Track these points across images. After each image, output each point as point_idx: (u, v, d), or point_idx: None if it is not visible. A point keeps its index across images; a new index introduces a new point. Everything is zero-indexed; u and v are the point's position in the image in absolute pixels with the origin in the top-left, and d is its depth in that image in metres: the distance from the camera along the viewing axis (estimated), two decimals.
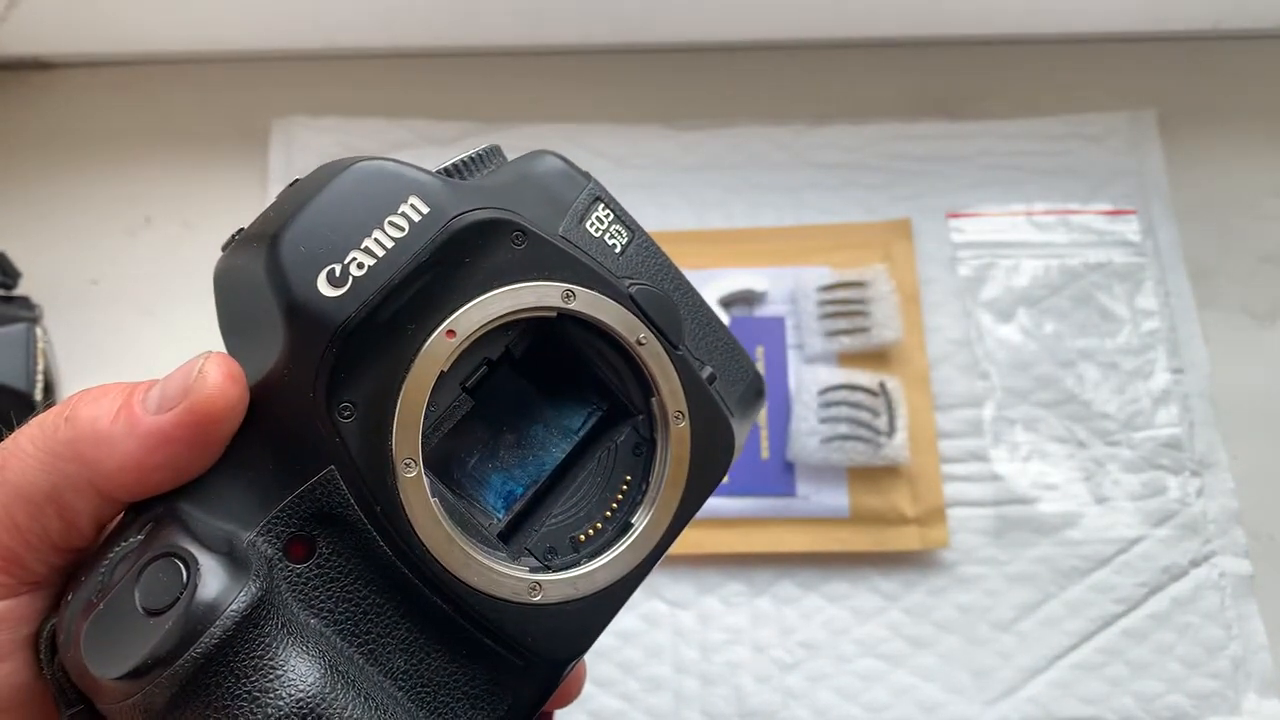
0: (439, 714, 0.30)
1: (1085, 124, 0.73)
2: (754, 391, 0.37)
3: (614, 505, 0.33)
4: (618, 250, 0.34)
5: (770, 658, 0.61)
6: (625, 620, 0.61)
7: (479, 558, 0.29)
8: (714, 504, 0.62)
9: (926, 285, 0.68)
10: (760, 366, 0.65)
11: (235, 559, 0.27)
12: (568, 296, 0.31)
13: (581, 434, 0.33)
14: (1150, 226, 0.70)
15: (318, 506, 0.29)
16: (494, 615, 0.29)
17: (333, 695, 0.27)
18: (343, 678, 0.28)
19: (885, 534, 0.62)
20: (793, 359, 0.65)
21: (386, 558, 0.29)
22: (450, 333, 0.29)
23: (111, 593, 0.27)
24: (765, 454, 0.63)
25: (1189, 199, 0.71)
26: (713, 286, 0.66)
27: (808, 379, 0.63)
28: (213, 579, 0.27)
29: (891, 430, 0.62)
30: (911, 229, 0.69)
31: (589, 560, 0.31)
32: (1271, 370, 0.68)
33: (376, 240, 0.29)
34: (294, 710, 0.27)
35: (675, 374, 0.33)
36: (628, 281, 0.33)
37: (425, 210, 0.29)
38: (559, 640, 0.31)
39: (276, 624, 0.27)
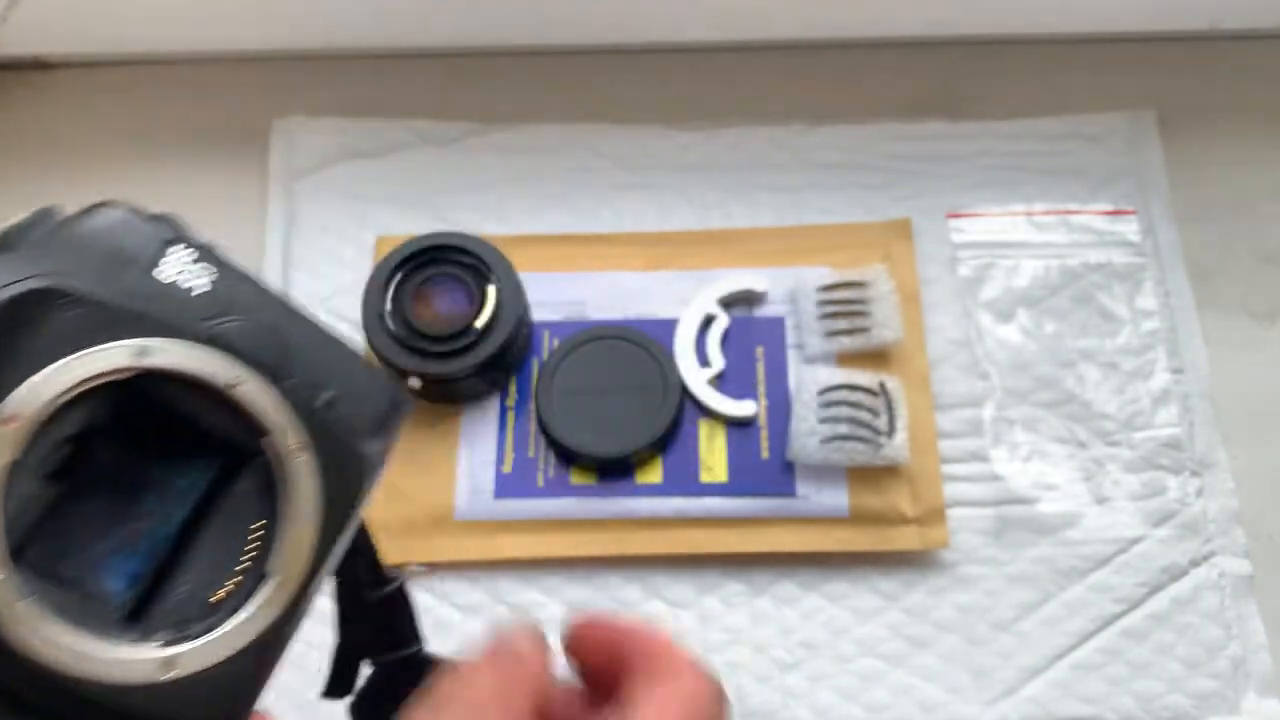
0: None
1: (1085, 124, 0.73)
2: (389, 406, 0.35)
3: (246, 557, 0.31)
4: (200, 291, 0.32)
5: (770, 658, 0.61)
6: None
7: (99, 649, 0.27)
8: (714, 504, 0.62)
9: (926, 285, 0.68)
10: (760, 367, 0.65)
11: None
12: (142, 352, 0.29)
13: (200, 492, 0.31)
14: (1150, 226, 0.70)
15: None
16: (126, 705, 0.27)
17: None
18: None
19: (885, 534, 0.62)
20: (792, 359, 0.65)
21: None
22: (9, 419, 0.27)
23: None
24: (765, 454, 0.63)
25: (1189, 199, 0.71)
26: (713, 287, 0.66)
27: (807, 379, 0.63)
28: None
29: (891, 430, 0.62)
30: (912, 229, 0.69)
31: (227, 620, 0.29)
32: (1271, 370, 0.68)
33: None
34: None
35: (284, 408, 0.31)
36: (214, 322, 0.31)
37: None
38: (209, 710, 0.29)
39: None
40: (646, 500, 0.62)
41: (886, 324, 0.64)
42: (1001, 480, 0.64)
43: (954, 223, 0.70)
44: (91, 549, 0.30)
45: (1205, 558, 0.62)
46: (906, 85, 0.75)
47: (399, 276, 0.62)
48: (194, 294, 0.32)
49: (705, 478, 0.62)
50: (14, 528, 0.27)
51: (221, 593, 0.30)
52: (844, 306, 0.65)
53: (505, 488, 0.63)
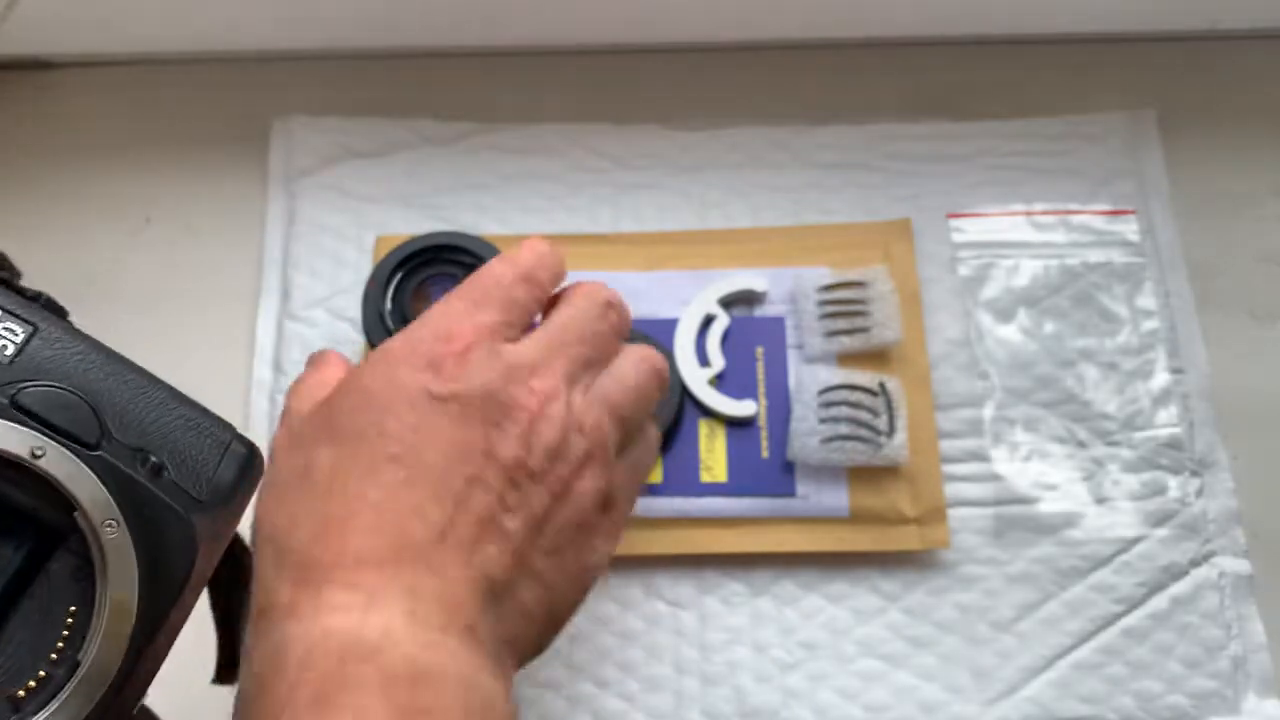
0: None
1: (1085, 124, 0.73)
2: (238, 466, 0.33)
3: (60, 644, 0.29)
4: (8, 353, 0.30)
5: (770, 658, 0.61)
6: (626, 621, 0.61)
7: None
8: (714, 504, 0.62)
9: (926, 285, 0.68)
10: (760, 367, 0.65)
11: None
12: None
13: (8, 575, 0.29)
14: (1150, 226, 0.70)
15: None
16: None
17: None
18: None
19: (885, 534, 0.62)
20: (792, 359, 0.65)
21: None
22: None
23: None
24: (765, 454, 0.63)
25: (1189, 199, 0.71)
26: (713, 287, 0.66)
27: (808, 379, 0.63)
28: None
29: (891, 430, 0.62)
30: (912, 229, 0.69)
31: (33, 716, 0.27)
32: (1271, 370, 0.68)
33: None
34: None
35: (94, 479, 0.29)
36: (15, 387, 0.29)
37: None
38: None
39: None
40: (646, 500, 0.62)
41: (886, 324, 0.64)
42: (1001, 480, 0.64)
43: (954, 223, 0.70)
44: None
45: (1205, 558, 0.62)
46: (906, 85, 0.75)
47: (399, 276, 0.62)
48: (5, 354, 0.30)
49: (705, 478, 0.62)
50: None
51: (31, 685, 0.28)
52: (844, 307, 0.65)
53: None
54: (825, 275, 0.66)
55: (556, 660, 0.60)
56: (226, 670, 0.45)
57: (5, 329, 0.30)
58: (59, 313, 0.32)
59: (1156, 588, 0.62)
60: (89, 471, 0.29)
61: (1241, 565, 0.62)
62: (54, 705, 0.28)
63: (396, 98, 0.75)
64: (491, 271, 0.46)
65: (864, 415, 0.62)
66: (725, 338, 0.66)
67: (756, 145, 0.73)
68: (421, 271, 0.62)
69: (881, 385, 0.63)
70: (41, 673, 0.28)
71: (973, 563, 0.62)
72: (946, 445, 0.64)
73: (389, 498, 0.38)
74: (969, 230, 0.70)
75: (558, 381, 0.44)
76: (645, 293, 0.67)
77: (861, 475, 0.62)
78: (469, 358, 0.42)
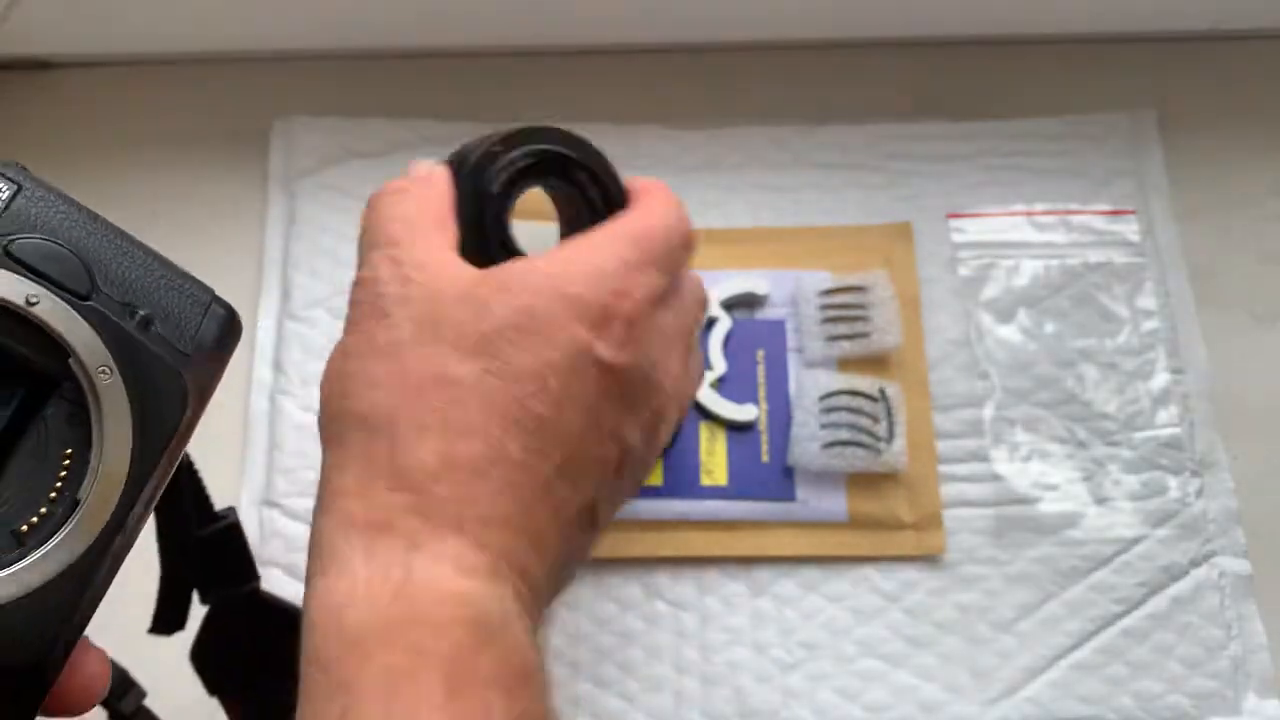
0: None
1: (1085, 124, 0.73)
2: (219, 325, 0.34)
3: (58, 484, 0.30)
4: None
5: (771, 658, 0.61)
6: (626, 621, 0.61)
7: None
8: (714, 508, 0.62)
9: (927, 286, 0.68)
10: (761, 370, 0.65)
11: None
12: None
13: (6, 417, 0.30)
14: (1150, 226, 0.70)
15: None
16: None
17: None
18: None
19: (882, 539, 0.62)
20: (793, 362, 0.65)
21: None
22: None
23: None
24: (765, 458, 0.63)
25: (1189, 199, 0.71)
26: (715, 289, 0.66)
27: (808, 384, 0.63)
28: None
29: (890, 436, 0.62)
30: (912, 232, 0.69)
31: (34, 550, 0.29)
32: (1271, 370, 0.68)
33: None
34: None
35: (87, 327, 0.30)
36: (6, 239, 0.30)
37: None
38: (15, 646, 0.28)
39: None
40: (646, 503, 0.62)
41: (887, 329, 0.64)
42: (1001, 480, 0.64)
43: (954, 223, 0.70)
44: None
45: (1205, 558, 0.62)
46: (906, 85, 0.75)
47: (505, 177, 0.50)
48: None
49: (705, 481, 0.62)
50: None
51: (33, 521, 0.29)
52: (845, 311, 0.65)
53: None
54: (826, 279, 0.66)
55: (557, 660, 0.61)
56: (168, 621, 0.43)
57: None
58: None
59: (1156, 588, 0.62)
60: (82, 320, 0.30)
61: (1241, 565, 0.62)
62: (56, 538, 0.29)
63: (396, 98, 0.75)
64: (666, 224, 0.44)
65: (864, 421, 0.62)
66: (727, 340, 0.66)
67: (756, 145, 0.73)
68: (530, 179, 0.49)
69: (881, 391, 0.63)
70: (43, 510, 0.29)
71: (973, 563, 0.62)
72: (947, 446, 0.64)
73: (526, 459, 0.37)
74: (969, 230, 0.70)
75: (682, 366, 0.44)
76: None
77: (860, 481, 0.62)
78: (636, 326, 0.40)
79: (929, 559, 0.62)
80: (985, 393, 0.66)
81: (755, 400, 0.64)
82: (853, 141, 0.73)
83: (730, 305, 0.66)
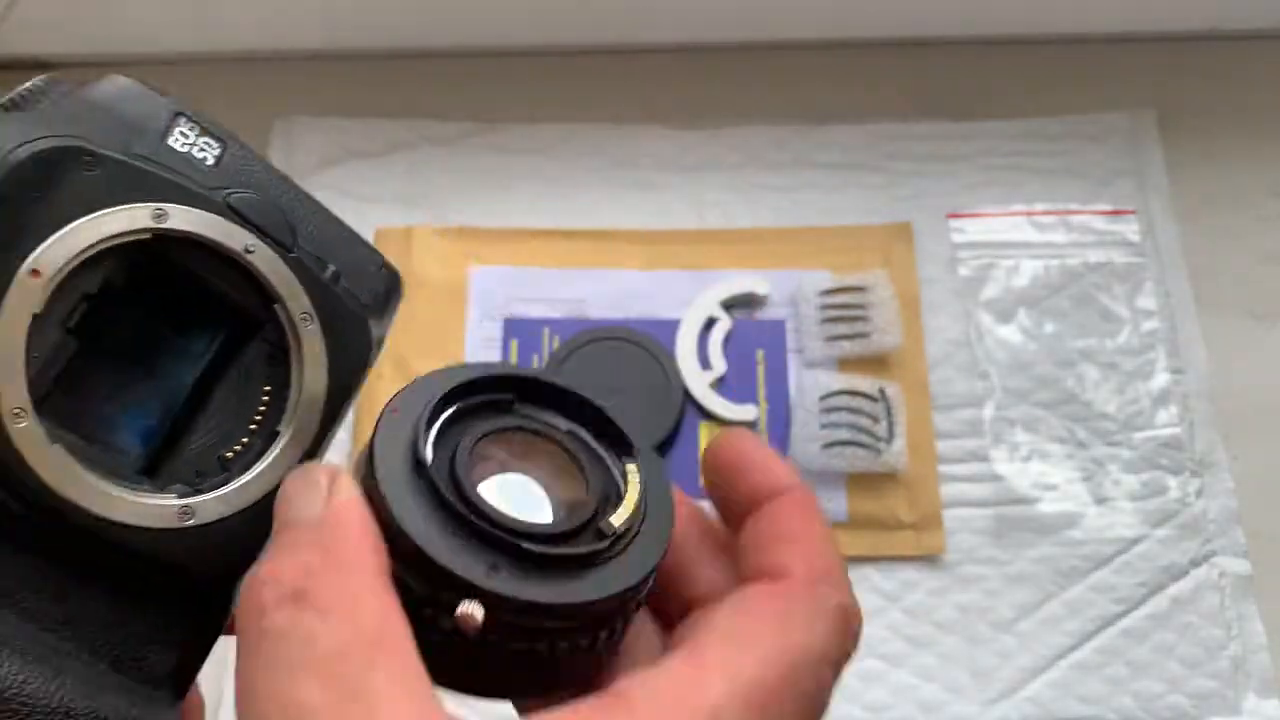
0: (113, 656, 0.29)
1: (1085, 124, 0.73)
2: (388, 285, 0.36)
3: (258, 417, 0.32)
4: (210, 162, 0.33)
5: None
6: None
7: (121, 494, 0.29)
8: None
9: (927, 286, 0.68)
10: (761, 370, 0.65)
11: None
12: (159, 215, 0.30)
13: (209, 355, 0.32)
14: (1150, 226, 0.70)
15: None
16: (149, 547, 0.29)
17: None
18: None
19: (882, 539, 0.62)
20: (792, 362, 0.65)
21: (19, 514, 0.28)
22: (35, 272, 0.28)
23: None
24: None
25: (1189, 199, 0.71)
26: (714, 289, 0.66)
27: (809, 385, 0.63)
28: None
29: (890, 437, 0.62)
30: (913, 233, 0.69)
31: (240, 475, 0.31)
32: (1271, 370, 0.68)
33: None
34: None
35: (293, 277, 0.32)
36: (225, 191, 0.32)
37: None
38: (220, 559, 0.30)
39: None
40: None
41: (887, 330, 0.64)
42: (1001, 480, 0.64)
43: (954, 223, 0.70)
44: (106, 405, 0.31)
45: (1205, 558, 0.62)
46: (906, 85, 0.75)
47: (448, 413, 0.34)
48: (205, 164, 0.33)
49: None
50: (38, 378, 0.28)
51: (236, 449, 0.31)
52: (845, 311, 0.65)
53: None
54: (826, 279, 0.66)
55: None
56: None
57: (204, 142, 0.33)
58: None
59: (1156, 588, 0.62)
60: (289, 270, 0.32)
61: (1241, 565, 0.62)
62: (259, 466, 0.31)
63: (396, 98, 0.75)
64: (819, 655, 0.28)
65: (864, 421, 0.62)
66: (726, 340, 0.66)
67: (756, 145, 0.73)
68: (485, 417, 0.33)
69: (881, 391, 0.63)
70: (245, 440, 0.31)
71: (972, 563, 0.62)
72: (946, 446, 0.64)
73: None
74: (969, 230, 0.70)
75: None
76: (645, 292, 0.67)
77: (860, 481, 0.62)
78: None
79: (929, 559, 0.62)
80: (985, 393, 0.66)
81: (755, 400, 0.64)
82: (853, 141, 0.73)
83: (730, 305, 0.66)
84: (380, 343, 0.35)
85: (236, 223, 0.31)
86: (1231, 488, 0.64)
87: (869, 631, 0.61)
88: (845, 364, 0.64)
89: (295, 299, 0.31)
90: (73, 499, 0.28)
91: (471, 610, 0.26)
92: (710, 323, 0.66)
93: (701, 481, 0.32)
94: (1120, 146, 0.72)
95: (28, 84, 0.31)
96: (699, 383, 0.64)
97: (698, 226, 0.71)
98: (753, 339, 0.66)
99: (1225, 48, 0.76)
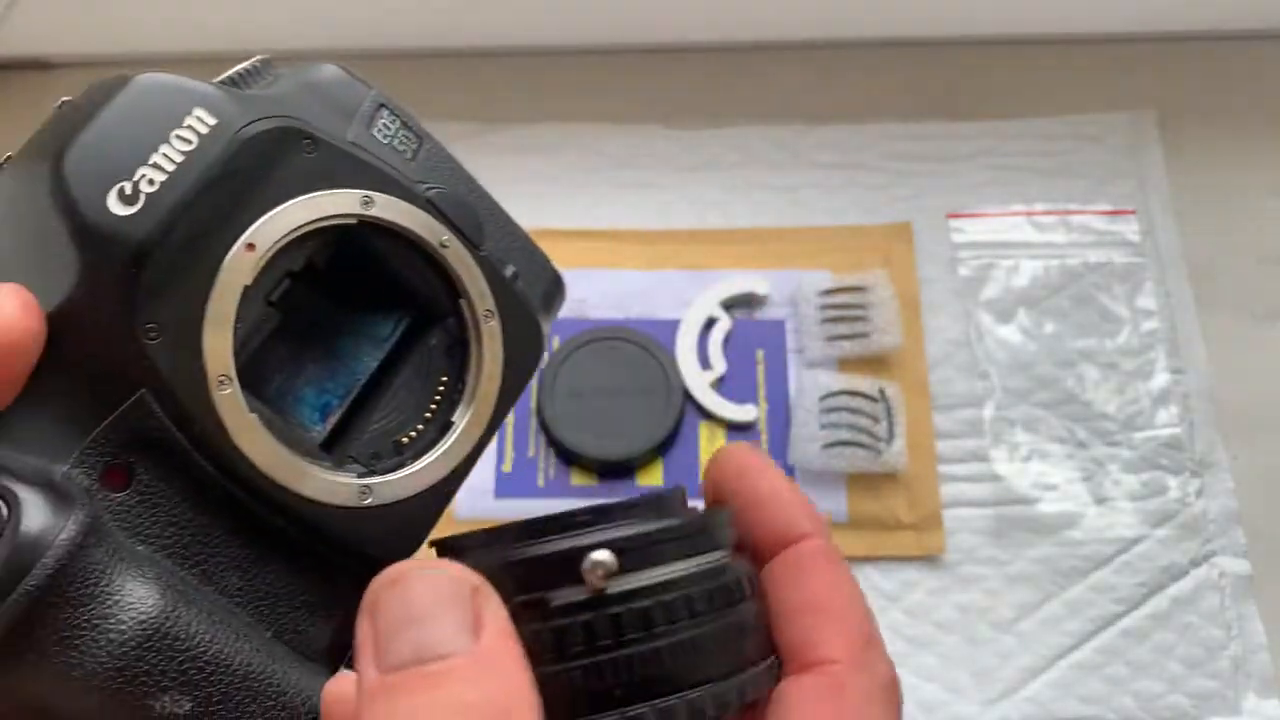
0: (278, 625, 0.30)
1: (1085, 124, 0.73)
2: (554, 289, 0.37)
3: (433, 406, 0.33)
4: (409, 156, 0.34)
5: None
6: None
7: (307, 468, 0.29)
8: None
9: (927, 286, 0.68)
10: (760, 370, 0.65)
11: (55, 490, 0.26)
12: (366, 202, 0.31)
13: (392, 341, 0.33)
14: (1150, 226, 0.70)
15: (133, 432, 0.28)
16: (326, 522, 0.29)
17: (175, 613, 0.27)
18: (181, 596, 0.27)
19: (882, 539, 0.62)
20: (792, 362, 0.65)
21: (210, 477, 0.28)
22: (250, 246, 0.29)
23: None
24: None
25: (1189, 199, 0.71)
26: (714, 289, 0.66)
27: (809, 385, 0.63)
28: (35, 511, 0.26)
29: (890, 437, 0.62)
30: (912, 233, 0.69)
31: (413, 461, 0.31)
32: (1271, 370, 0.68)
33: (165, 155, 0.28)
34: (138, 631, 0.26)
35: (480, 275, 0.33)
36: (424, 186, 0.33)
37: (212, 122, 0.29)
38: (392, 541, 0.31)
39: (107, 551, 0.27)
40: None
41: (887, 330, 0.64)
42: (1001, 480, 0.64)
43: (954, 223, 0.70)
44: (293, 379, 0.32)
45: (1205, 558, 0.62)
46: (906, 85, 0.75)
47: None
48: (405, 156, 0.34)
49: None
50: (240, 349, 0.29)
51: (411, 435, 0.32)
52: (845, 311, 0.65)
53: (506, 487, 0.63)
54: (826, 279, 0.66)
55: None
56: None
57: (404, 135, 0.34)
58: None
59: (1156, 588, 0.62)
60: (477, 268, 0.33)
61: (1241, 565, 0.62)
62: (432, 455, 0.32)
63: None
64: None
65: (864, 422, 0.62)
66: (726, 340, 0.66)
67: (756, 145, 0.73)
68: None
69: (881, 391, 0.63)
70: (419, 427, 0.33)
71: (973, 563, 0.62)
72: (947, 446, 0.64)
73: None
74: (969, 230, 0.70)
75: None
76: (645, 292, 0.67)
77: (860, 481, 0.62)
78: None
79: (929, 559, 0.62)
80: (985, 393, 0.66)
81: (755, 400, 0.64)
82: (853, 141, 0.73)
83: (730, 305, 0.66)
84: (548, 341, 0.36)
85: (435, 217, 0.32)
86: (1231, 488, 0.64)
87: None
88: (845, 364, 0.64)
89: (481, 296, 0.33)
90: (265, 469, 0.29)
91: (600, 556, 0.25)
92: (710, 323, 0.66)
93: (702, 487, 0.32)
94: (1120, 146, 0.72)
95: (245, 64, 0.32)
96: (699, 383, 0.64)
97: (698, 226, 0.71)
98: (753, 339, 0.66)
99: (1225, 48, 0.76)
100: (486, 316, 0.33)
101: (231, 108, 0.29)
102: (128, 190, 0.27)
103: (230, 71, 0.32)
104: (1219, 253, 0.70)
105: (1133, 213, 0.70)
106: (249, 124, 0.29)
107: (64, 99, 0.30)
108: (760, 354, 0.65)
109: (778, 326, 0.66)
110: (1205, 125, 0.73)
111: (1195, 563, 0.62)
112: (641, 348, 0.65)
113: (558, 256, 0.73)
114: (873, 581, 0.62)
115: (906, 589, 0.62)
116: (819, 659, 0.27)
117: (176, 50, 0.77)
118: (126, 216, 0.27)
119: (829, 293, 0.65)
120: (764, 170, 0.72)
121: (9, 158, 0.30)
